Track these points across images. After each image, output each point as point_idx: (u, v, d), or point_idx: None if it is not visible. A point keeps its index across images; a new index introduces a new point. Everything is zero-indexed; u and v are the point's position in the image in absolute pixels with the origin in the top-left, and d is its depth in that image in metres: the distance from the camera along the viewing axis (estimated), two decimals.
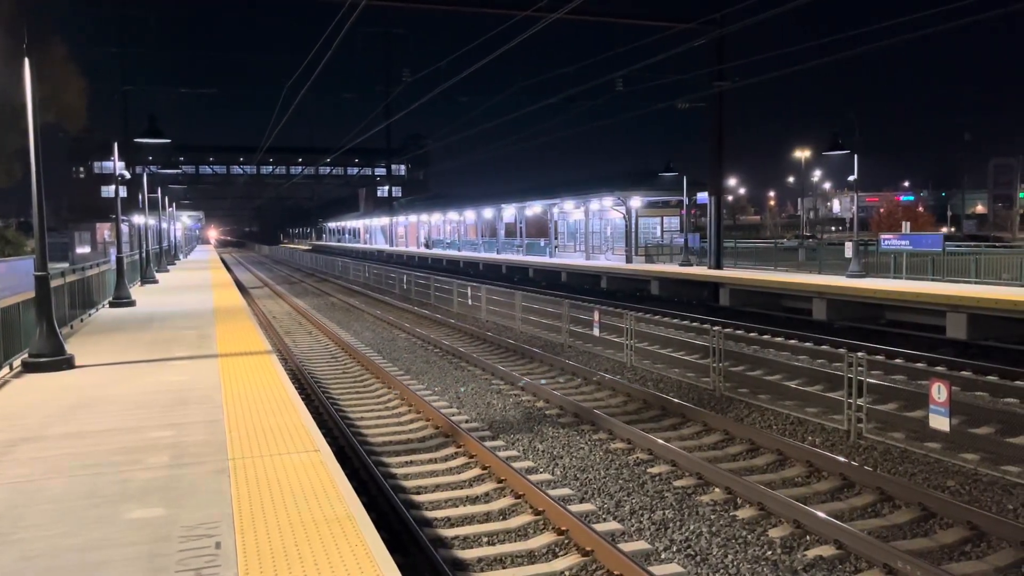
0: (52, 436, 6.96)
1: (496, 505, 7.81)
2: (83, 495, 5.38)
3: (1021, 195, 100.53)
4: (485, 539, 7.02)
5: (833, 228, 75.57)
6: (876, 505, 7.72)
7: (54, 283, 11.73)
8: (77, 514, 5.02)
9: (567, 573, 6.29)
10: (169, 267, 38.93)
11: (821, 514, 7.06)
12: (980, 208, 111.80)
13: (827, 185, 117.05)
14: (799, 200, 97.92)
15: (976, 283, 19.63)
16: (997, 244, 33.15)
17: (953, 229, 74.39)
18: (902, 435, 9.84)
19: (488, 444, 9.78)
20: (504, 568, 6.44)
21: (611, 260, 37.29)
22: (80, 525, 4.83)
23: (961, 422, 10.00)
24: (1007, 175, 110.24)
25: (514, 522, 7.34)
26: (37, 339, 10.29)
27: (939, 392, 8.77)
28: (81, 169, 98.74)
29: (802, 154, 79.15)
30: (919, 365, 13.98)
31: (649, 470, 8.89)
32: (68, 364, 10.34)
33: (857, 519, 7.38)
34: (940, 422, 8.78)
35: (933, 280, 20.92)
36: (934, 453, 9.14)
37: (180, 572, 4.10)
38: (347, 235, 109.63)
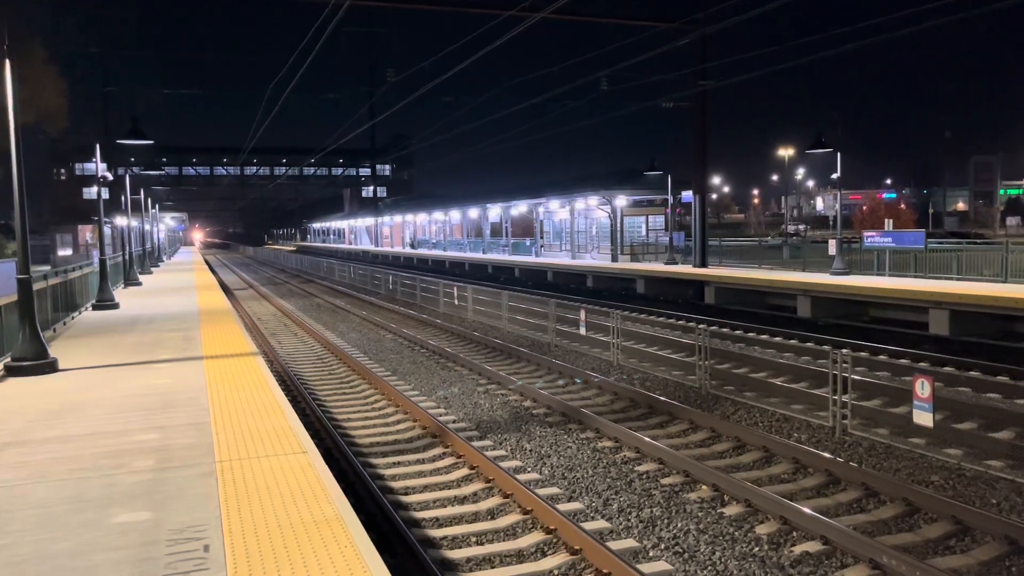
0: (36, 440, 6.90)
1: (484, 505, 7.81)
2: (69, 499, 5.34)
3: (1001, 192, 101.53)
4: (474, 539, 7.03)
5: (803, 227, 75.85)
6: (861, 501, 7.78)
7: (36, 286, 11.62)
8: (63, 519, 4.98)
9: (556, 572, 6.30)
10: (153, 269, 38.68)
11: (807, 510, 7.11)
12: (961, 205, 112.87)
13: (810, 183, 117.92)
14: (783, 198, 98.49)
15: (958, 279, 19.82)
16: (978, 241, 33.47)
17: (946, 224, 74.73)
18: (886, 431, 9.93)
19: (476, 444, 9.78)
20: (493, 567, 6.45)
21: (597, 259, 37.36)
22: (66, 530, 4.79)
23: (944, 417, 10.09)
24: (987, 172, 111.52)
25: (502, 522, 7.35)
26: (20, 343, 10.19)
27: (923, 388, 8.86)
28: (62, 171, 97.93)
29: (785, 152, 79.73)
30: (903, 361, 14.10)
31: (637, 468, 8.92)
32: (51, 368, 10.25)
33: (843, 515, 7.43)
34: (924, 418, 8.86)
35: (916, 277, 21.11)
36: (918, 448, 9.22)
37: None
38: (332, 236, 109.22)
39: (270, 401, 8.26)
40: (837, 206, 24.87)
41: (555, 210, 42.64)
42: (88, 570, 4.20)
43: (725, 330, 18.04)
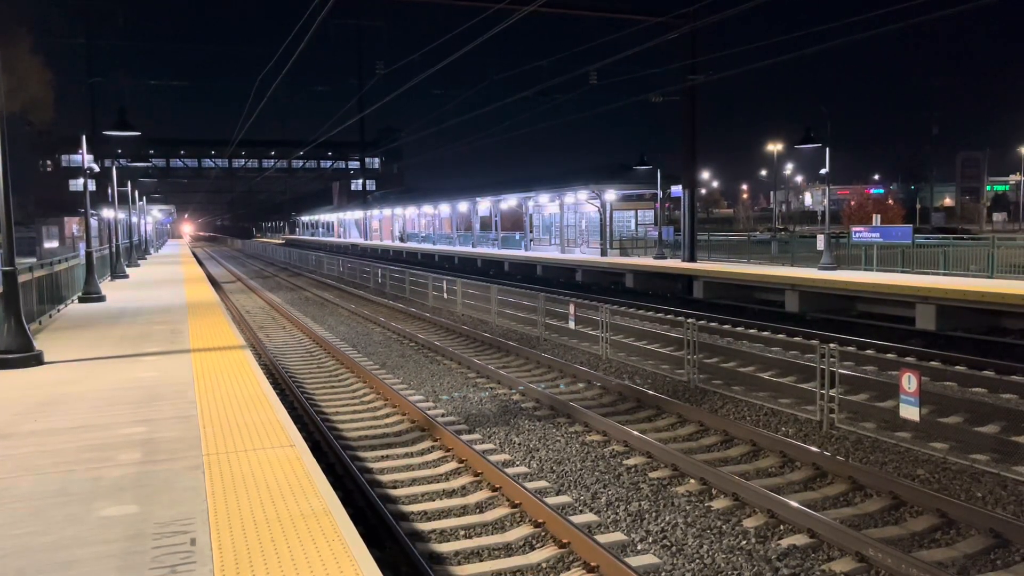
0: (21, 434, 6.85)
1: (473, 498, 7.81)
2: (54, 493, 5.30)
3: (988, 188, 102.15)
4: (462, 532, 7.02)
5: (788, 227, 75.92)
6: (848, 494, 7.82)
7: (22, 278, 11.52)
8: (48, 512, 4.94)
9: (544, 565, 6.30)
10: (140, 262, 38.43)
11: (794, 503, 7.14)
12: (948, 201, 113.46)
13: (799, 178, 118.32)
14: (771, 193, 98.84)
15: (945, 275, 19.95)
16: (965, 236, 33.70)
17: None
18: (873, 425, 9.98)
19: (464, 438, 9.77)
20: (481, 561, 6.45)
21: (586, 253, 37.39)
22: (51, 524, 4.75)
23: (930, 411, 10.16)
24: (974, 168, 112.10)
25: (491, 515, 7.35)
26: (5, 335, 10.10)
27: (909, 382, 8.90)
28: (48, 163, 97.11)
29: (774, 147, 79.87)
30: (889, 356, 14.17)
31: (625, 462, 8.93)
32: (37, 360, 10.16)
33: (830, 508, 7.47)
34: (910, 412, 8.91)
35: (903, 272, 21.22)
36: (904, 442, 9.27)
37: (154, 569, 4.06)
38: (321, 229, 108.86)
39: (258, 394, 8.23)
40: (825, 201, 24.99)
41: (545, 204, 42.64)
42: (73, 564, 4.17)
43: (713, 324, 18.11)
